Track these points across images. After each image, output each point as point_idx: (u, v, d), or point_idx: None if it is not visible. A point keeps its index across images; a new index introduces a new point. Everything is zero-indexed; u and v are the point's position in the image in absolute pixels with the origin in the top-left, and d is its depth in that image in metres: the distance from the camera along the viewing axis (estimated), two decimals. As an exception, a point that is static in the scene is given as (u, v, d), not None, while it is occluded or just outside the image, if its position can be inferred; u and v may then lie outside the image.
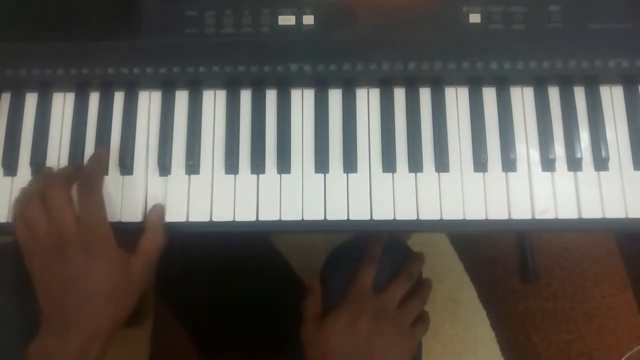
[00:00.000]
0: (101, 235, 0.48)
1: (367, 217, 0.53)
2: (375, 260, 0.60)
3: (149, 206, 0.53)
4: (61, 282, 0.48)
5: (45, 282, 0.48)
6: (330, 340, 0.55)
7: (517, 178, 0.53)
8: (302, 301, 0.60)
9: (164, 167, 0.54)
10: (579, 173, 0.53)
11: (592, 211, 0.52)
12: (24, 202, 0.49)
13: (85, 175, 0.50)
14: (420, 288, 0.62)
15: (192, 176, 0.54)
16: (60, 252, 0.47)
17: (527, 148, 0.54)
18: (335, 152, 0.54)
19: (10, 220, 0.53)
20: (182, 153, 0.55)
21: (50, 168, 0.54)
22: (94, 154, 0.53)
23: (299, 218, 0.53)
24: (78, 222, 0.48)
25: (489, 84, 0.55)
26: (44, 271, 0.48)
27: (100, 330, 0.48)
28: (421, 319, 0.60)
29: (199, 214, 0.53)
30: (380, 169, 0.54)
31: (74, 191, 0.50)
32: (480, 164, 0.53)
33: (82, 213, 0.48)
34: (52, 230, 0.47)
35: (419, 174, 0.54)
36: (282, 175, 0.54)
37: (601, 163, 0.53)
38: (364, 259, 0.60)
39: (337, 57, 0.54)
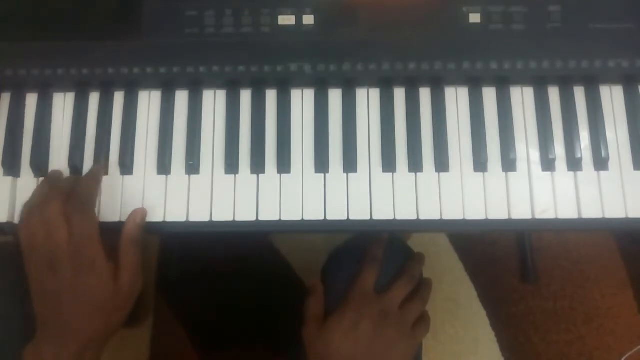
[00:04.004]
0: (90, 252, 0.49)
1: (367, 217, 0.53)
2: (376, 261, 0.60)
3: (149, 206, 0.53)
4: (53, 296, 0.49)
5: (39, 290, 0.49)
6: (332, 342, 0.55)
7: (517, 178, 0.53)
8: (303, 302, 0.60)
9: (164, 167, 0.54)
10: (579, 173, 0.53)
11: (592, 211, 0.52)
12: (27, 212, 0.50)
13: (78, 193, 0.51)
14: (421, 289, 0.62)
15: (192, 176, 0.54)
16: (53, 267, 0.48)
17: (527, 148, 0.54)
18: (335, 152, 0.54)
19: (10, 220, 0.53)
20: (182, 153, 0.55)
21: (57, 172, 0.54)
22: (90, 171, 0.53)
23: (299, 218, 0.53)
24: (70, 237, 0.48)
25: (489, 84, 0.55)
26: (38, 280, 0.49)
27: (93, 339, 0.50)
28: (422, 320, 0.60)
29: (199, 214, 0.53)
30: (380, 169, 0.54)
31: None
32: (480, 164, 0.53)
33: (74, 230, 0.48)
34: (46, 245, 0.48)
35: (419, 174, 0.54)
36: (282, 175, 0.54)
37: (601, 163, 0.53)
38: (366, 261, 0.60)
39: (337, 57, 0.54)
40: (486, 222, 0.53)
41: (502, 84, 0.55)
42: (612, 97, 0.55)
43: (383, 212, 0.53)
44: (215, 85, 0.56)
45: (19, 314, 0.59)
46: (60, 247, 0.48)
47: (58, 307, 0.49)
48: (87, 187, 0.52)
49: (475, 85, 0.55)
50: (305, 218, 0.53)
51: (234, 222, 0.53)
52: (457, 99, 0.55)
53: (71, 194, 0.50)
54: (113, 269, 0.50)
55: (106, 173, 0.54)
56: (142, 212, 0.52)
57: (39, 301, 0.49)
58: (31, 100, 0.56)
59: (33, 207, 0.50)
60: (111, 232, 0.51)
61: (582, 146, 0.54)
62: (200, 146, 0.55)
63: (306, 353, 0.57)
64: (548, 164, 0.53)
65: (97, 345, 0.50)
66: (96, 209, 0.53)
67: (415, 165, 0.54)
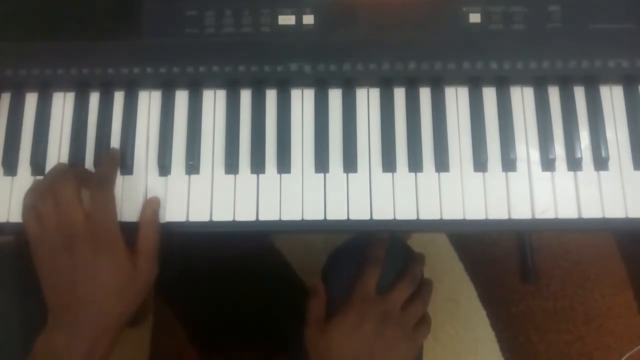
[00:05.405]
0: (110, 232, 0.49)
1: (367, 217, 0.53)
2: (378, 262, 0.60)
3: (149, 206, 0.53)
4: (69, 278, 0.48)
5: (53, 277, 0.49)
6: (335, 344, 0.55)
7: (517, 178, 0.53)
8: (305, 303, 0.60)
9: (164, 167, 0.54)
10: (579, 173, 0.53)
11: (592, 211, 0.52)
12: (35, 196, 0.50)
13: (98, 173, 0.51)
14: (422, 289, 0.62)
15: (192, 176, 0.54)
16: (69, 248, 0.48)
17: (527, 148, 0.54)
18: (335, 152, 0.54)
19: (10, 220, 0.53)
20: (182, 153, 0.55)
21: (63, 164, 0.54)
22: (107, 154, 0.54)
23: (299, 218, 0.53)
24: (88, 218, 0.48)
25: (489, 84, 0.55)
26: (52, 266, 0.48)
27: (109, 326, 0.49)
28: (423, 321, 0.60)
29: (199, 214, 0.53)
30: (380, 169, 0.54)
31: (84, 190, 0.51)
32: (480, 164, 0.53)
33: (92, 210, 0.49)
34: (61, 226, 0.48)
35: (419, 174, 0.54)
36: (282, 175, 0.54)
37: (601, 163, 0.53)
38: (367, 262, 0.60)
39: (337, 57, 0.54)
40: (486, 222, 0.53)
41: (502, 84, 0.55)
42: (612, 97, 0.55)
43: (383, 212, 0.53)
44: (215, 85, 0.56)
45: (19, 314, 0.58)
46: (77, 227, 0.47)
47: (73, 289, 0.48)
48: (105, 168, 0.52)
49: (475, 85, 0.55)
50: (305, 218, 0.53)
51: (234, 222, 0.53)
52: (457, 99, 0.55)
53: (90, 175, 0.51)
54: (130, 253, 0.50)
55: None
56: (156, 199, 0.53)
57: (52, 287, 0.49)
58: (31, 100, 0.56)
59: (43, 191, 0.49)
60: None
61: (582, 146, 0.54)
62: (200, 146, 0.55)
63: (308, 354, 0.57)
64: (548, 164, 0.53)
65: (111, 334, 0.49)
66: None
67: (415, 165, 0.54)
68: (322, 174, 0.54)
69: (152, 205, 0.53)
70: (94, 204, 0.49)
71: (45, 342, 0.48)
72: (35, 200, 0.49)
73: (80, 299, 0.48)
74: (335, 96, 0.56)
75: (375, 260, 0.60)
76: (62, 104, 0.56)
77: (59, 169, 0.53)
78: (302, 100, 0.56)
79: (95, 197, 0.49)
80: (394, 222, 0.53)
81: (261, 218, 0.53)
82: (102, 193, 0.50)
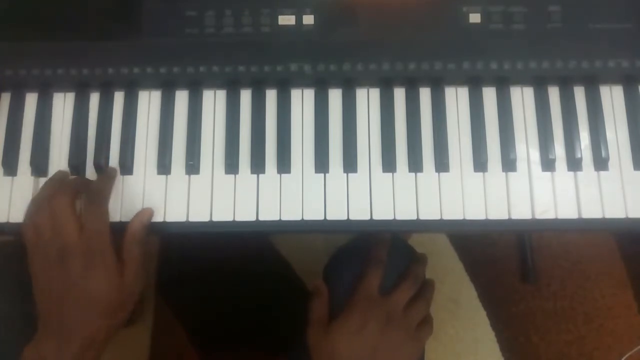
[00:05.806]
0: (101, 246, 0.49)
1: (367, 217, 0.53)
2: (380, 263, 0.60)
3: (149, 206, 0.53)
4: (60, 289, 0.48)
5: (45, 287, 0.49)
6: (338, 345, 0.55)
7: (517, 178, 0.53)
8: (307, 303, 0.60)
9: (164, 167, 0.54)
10: (579, 173, 0.53)
11: (592, 211, 0.52)
12: (34, 206, 0.51)
13: (94, 187, 0.51)
14: (424, 290, 0.61)
15: (192, 176, 0.54)
16: (62, 260, 0.48)
17: (527, 148, 0.54)
18: (335, 152, 0.54)
19: (10, 220, 0.53)
20: (182, 153, 0.55)
21: (64, 172, 0.54)
22: (105, 172, 0.54)
23: (299, 218, 0.53)
24: (81, 231, 0.49)
25: (489, 84, 0.55)
26: (44, 276, 0.49)
27: (96, 339, 0.49)
28: (426, 322, 0.60)
29: (199, 214, 0.53)
30: (380, 169, 0.54)
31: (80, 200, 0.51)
32: (480, 164, 0.53)
33: (86, 223, 0.49)
34: (55, 238, 0.48)
35: (419, 174, 0.54)
36: (282, 175, 0.54)
37: (601, 163, 0.53)
38: (370, 262, 0.60)
39: (337, 57, 0.54)
40: (486, 222, 0.53)
41: (502, 84, 0.55)
42: (612, 97, 0.55)
43: (383, 212, 0.53)
44: (215, 85, 0.56)
45: (19, 314, 0.59)
46: (71, 240, 0.48)
47: (64, 302, 0.48)
48: (101, 184, 0.52)
49: (475, 85, 0.55)
50: (305, 218, 0.53)
51: (234, 222, 0.53)
52: (457, 99, 0.55)
53: (85, 189, 0.51)
54: (120, 267, 0.50)
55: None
56: (149, 213, 0.53)
57: (43, 297, 0.49)
58: (31, 100, 0.56)
59: (40, 202, 0.50)
60: (113, 232, 0.51)
61: (582, 146, 0.54)
62: (200, 146, 0.55)
63: (310, 354, 0.57)
64: (548, 164, 0.53)
65: (99, 345, 0.50)
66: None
67: (415, 165, 0.54)
68: (322, 174, 0.54)
69: (142, 219, 0.52)
70: (87, 217, 0.49)
71: (33, 352, 0.49)
72: (33, 210, 0.50)
73: (70, 311, 0.48)
74: (335, 96, 0.56)
75: (377, 261, 0.60)
76: (62, 104, 0.56)
77: (59, 178, 0.53)
78: (302, 100, 0.56)
79: (89, 210, 0.49)
80: (394, 222, 0.53)
81: (261, 218, 0.53)
82: (96, 207, 0.50)
